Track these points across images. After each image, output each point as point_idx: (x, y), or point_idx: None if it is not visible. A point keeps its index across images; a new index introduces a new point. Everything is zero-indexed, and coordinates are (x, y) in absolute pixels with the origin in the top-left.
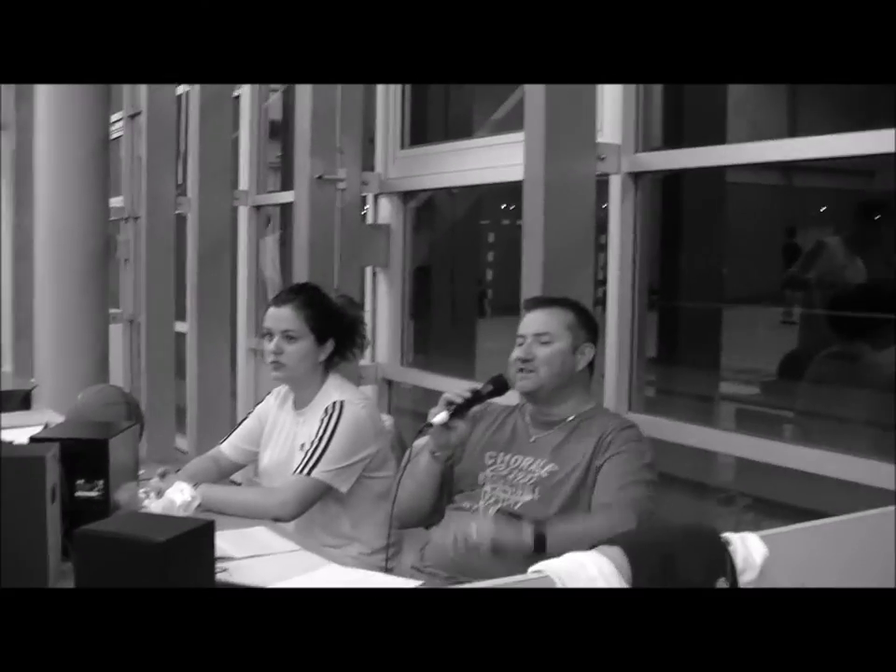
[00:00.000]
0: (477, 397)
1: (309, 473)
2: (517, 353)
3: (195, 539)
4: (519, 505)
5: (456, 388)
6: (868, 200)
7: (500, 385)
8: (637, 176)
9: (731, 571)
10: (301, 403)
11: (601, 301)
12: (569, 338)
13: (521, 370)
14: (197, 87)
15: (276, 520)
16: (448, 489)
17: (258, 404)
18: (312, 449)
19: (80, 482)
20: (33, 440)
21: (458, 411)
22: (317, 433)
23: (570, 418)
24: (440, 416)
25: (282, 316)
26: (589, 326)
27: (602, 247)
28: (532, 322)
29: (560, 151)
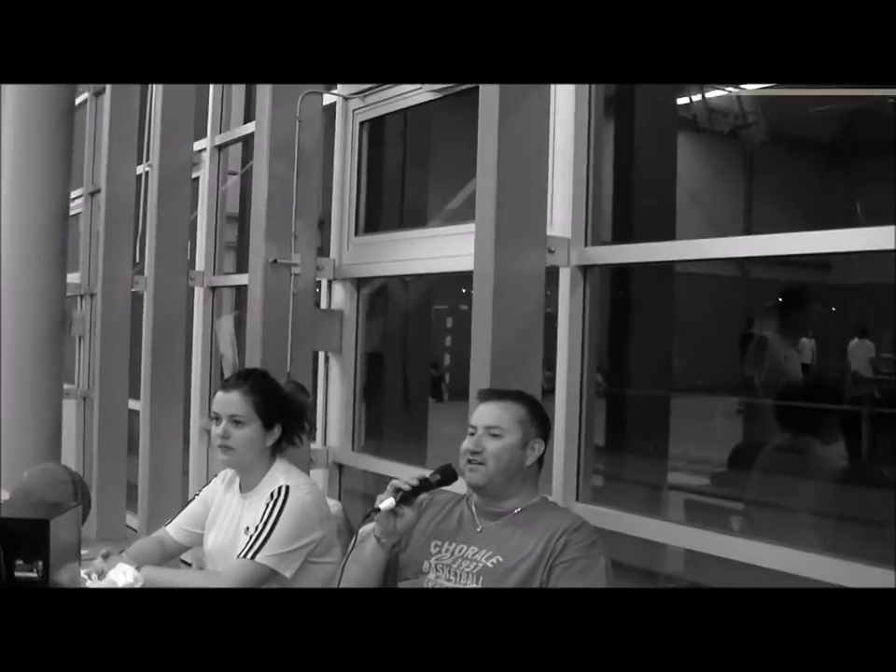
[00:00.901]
0: (425, 485)
1: (253, 557)
2: (467, 444)
3: None
4: None
5: (406, 475)
6: (790, 289)
7: (448, 475)
8: (586, 269)
9: None
10: (247, 487)
11: (550, 390)
12: (520, 433)
13: (470, 461)
14: (156, 167)
15: None
16: (392, 576)
17: (205, 486)
18: (256, 533)
19: (20, 562)
20: None
21: (405, 498)
22: (262, 517)
23: (517, 510)
24: (386, 502)
25: (230, 401)
26: (541, 421)
27: (554, 335)
28: (484, 414)
29: (510, 243)
